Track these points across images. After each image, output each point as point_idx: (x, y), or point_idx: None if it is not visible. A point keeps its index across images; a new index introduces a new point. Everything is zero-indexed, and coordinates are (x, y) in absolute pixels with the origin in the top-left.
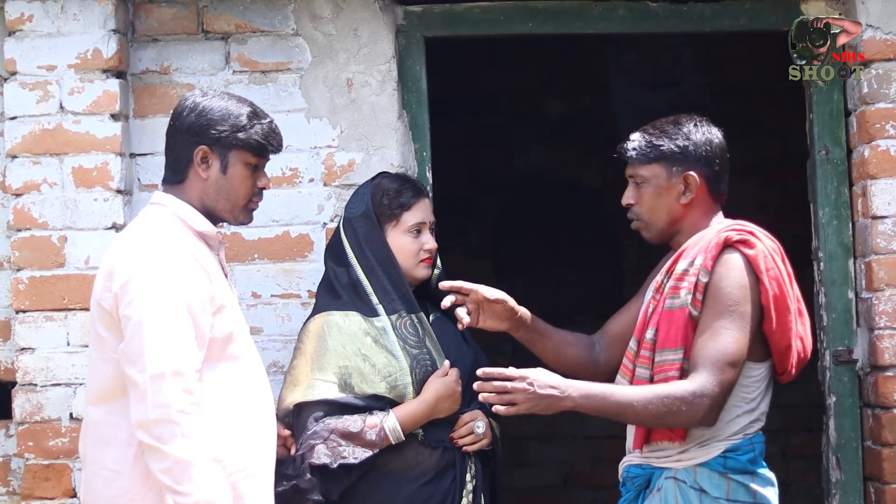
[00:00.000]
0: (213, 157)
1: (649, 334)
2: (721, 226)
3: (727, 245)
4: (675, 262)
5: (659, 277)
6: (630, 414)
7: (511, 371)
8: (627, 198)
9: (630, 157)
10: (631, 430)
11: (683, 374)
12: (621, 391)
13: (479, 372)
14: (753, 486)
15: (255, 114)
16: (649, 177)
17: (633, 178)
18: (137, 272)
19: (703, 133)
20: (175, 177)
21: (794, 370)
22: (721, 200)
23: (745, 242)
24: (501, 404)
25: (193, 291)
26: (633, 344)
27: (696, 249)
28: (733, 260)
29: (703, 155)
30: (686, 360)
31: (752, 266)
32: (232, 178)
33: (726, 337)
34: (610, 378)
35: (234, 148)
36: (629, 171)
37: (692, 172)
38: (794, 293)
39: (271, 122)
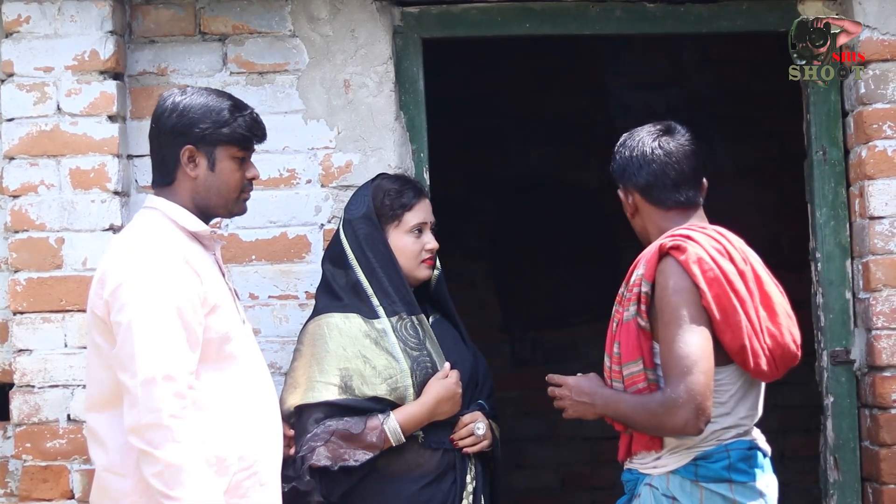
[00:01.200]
0: (200, 155)
1: (616, 348)
2: (664, 235)
3: (663, 253)
4: (631, 272)
5: (620, 289)
6: (631, 422)
7: (557, 377)
8: None
9: None
10: None
11: (651, 383)
12: (625, 401)
13: (547, 378)
14: (732, 495)
15: (237, 107)
16: (620, 195)
17: None
18: (126, 278)
19: (631, 146)
20: (164, 179)
21: (766, 368)
22: (678, 209)
23: (677, 248)
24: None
25: (183, 293)
26: (606, 360)
27: (643, 260)
28: (668, 268)
29: (625, 169)
30: (647, 369)
31: (685, 270)
32: (221, 173)
33: (678, 343)
34: None
35: (220, 144)
36: None
37: (620, 190)
38: (747, 290)
39: (252, 112)
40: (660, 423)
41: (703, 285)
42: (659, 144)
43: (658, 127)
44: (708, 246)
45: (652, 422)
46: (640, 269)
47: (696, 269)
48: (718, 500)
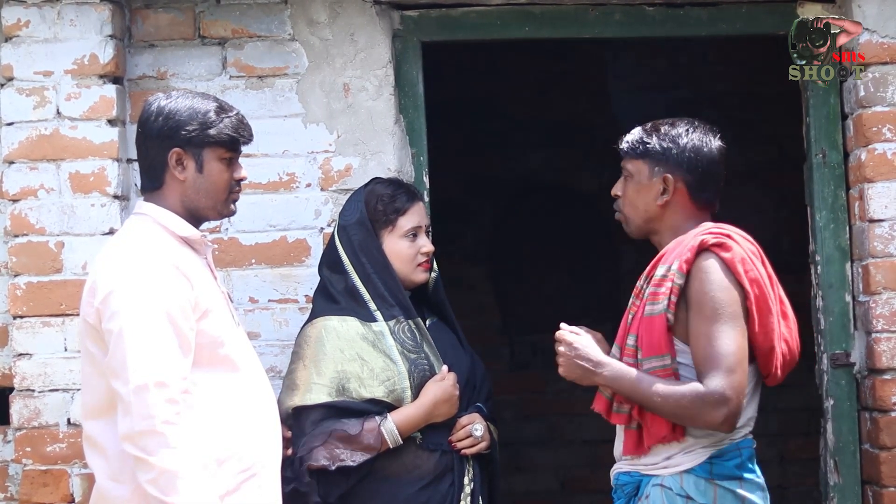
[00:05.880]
0: (188, 157)
1: (630, 341)
2: (699, 230)
3: (703, 249)
4: (654, 266)
5: (639, 283)
6: (652, 405)
7: (561, 333)
8: (616, 189)
9: (622, 150)
10: (620, 437)
11: (677, 376)
12: (647, 381)
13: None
14: (741, 491)
15: (222, 108)
16: (633, 172)
17: (622, 170)
18: (116, 285)
19: (694, 139)
20: (152, 183)
21: (779, 372)
22: (708, 209)
23: (721, 245)
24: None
25: (173, 299)
26: (615, 350)
27: (673, 255)
28: (711, 264)
29: (685, 159)
30: (675, 361)
31: (729, 269)
32: (209, 175)
33: (722, 339)
34: None
35: (207, 145)
36: (622, 163)
37: (670, 175)
38: (775, 295)
39: (238, 113)
40: (694, 415)
41: (747, 286)
42: (711, 142)
43: (698, 124)
44: (745, 247)
45: (685, 412)
46: (672, 263)
47: (740, 269)
48: (730, 497)
